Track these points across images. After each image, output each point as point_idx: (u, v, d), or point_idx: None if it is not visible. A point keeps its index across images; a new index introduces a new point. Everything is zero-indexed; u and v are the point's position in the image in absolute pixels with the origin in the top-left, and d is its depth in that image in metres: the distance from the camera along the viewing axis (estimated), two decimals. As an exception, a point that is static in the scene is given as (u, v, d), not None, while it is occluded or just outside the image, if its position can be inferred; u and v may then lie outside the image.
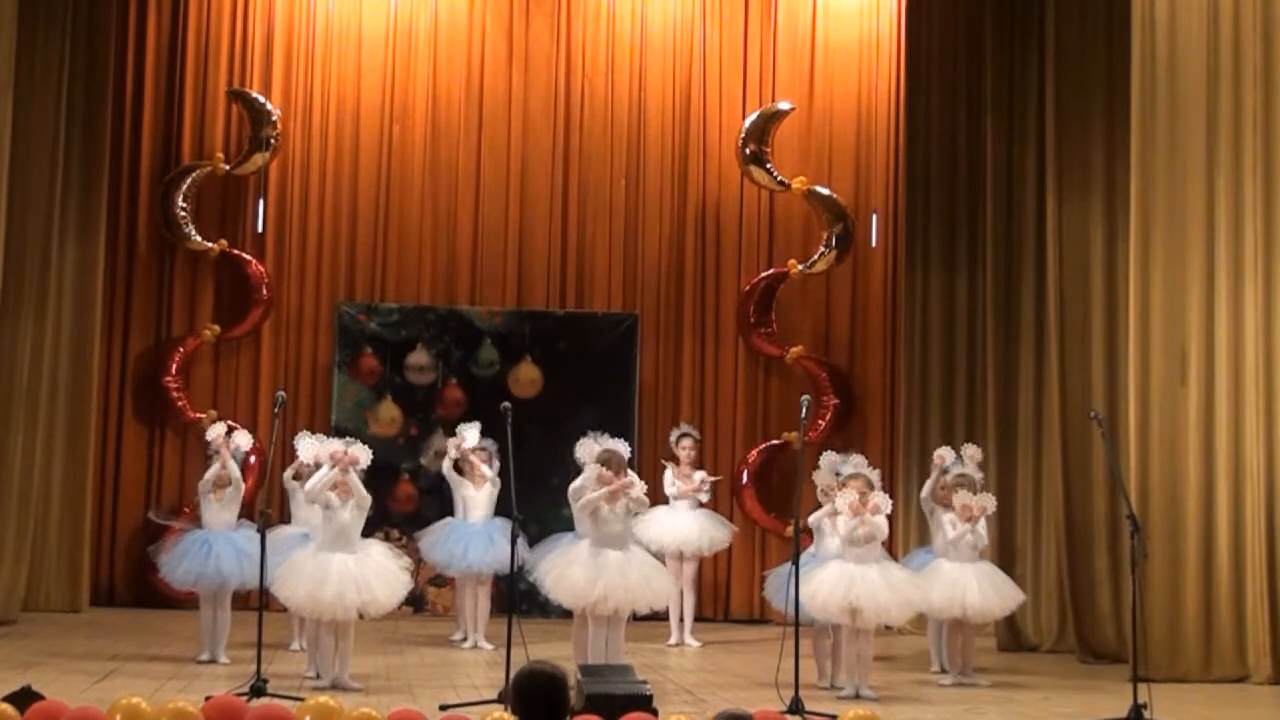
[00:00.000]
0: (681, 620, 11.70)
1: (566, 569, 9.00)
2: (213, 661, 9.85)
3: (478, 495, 11.13)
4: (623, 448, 9.34)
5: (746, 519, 13.44)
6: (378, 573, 9.08)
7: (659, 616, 11.12)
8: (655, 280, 14.09)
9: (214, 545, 9.97)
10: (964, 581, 9.77)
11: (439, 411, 13.47)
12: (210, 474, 10.15)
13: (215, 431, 10.27)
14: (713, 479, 11.98)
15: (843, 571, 9.23)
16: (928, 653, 10.63)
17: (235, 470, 10.16)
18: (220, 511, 10.12)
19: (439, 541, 11.20)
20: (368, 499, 9.23)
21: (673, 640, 11.61)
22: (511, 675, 4.89)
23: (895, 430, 13.77)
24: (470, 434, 11.06)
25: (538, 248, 14.04)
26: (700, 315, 14.10)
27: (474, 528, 11.03)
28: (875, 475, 9.58)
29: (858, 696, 9.08)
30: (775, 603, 10.03)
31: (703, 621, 12.43)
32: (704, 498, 11.82)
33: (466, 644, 11.08)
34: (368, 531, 9.51)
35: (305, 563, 9.04)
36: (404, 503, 13.09)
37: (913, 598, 9.46)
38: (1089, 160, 11.84)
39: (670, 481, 11.81)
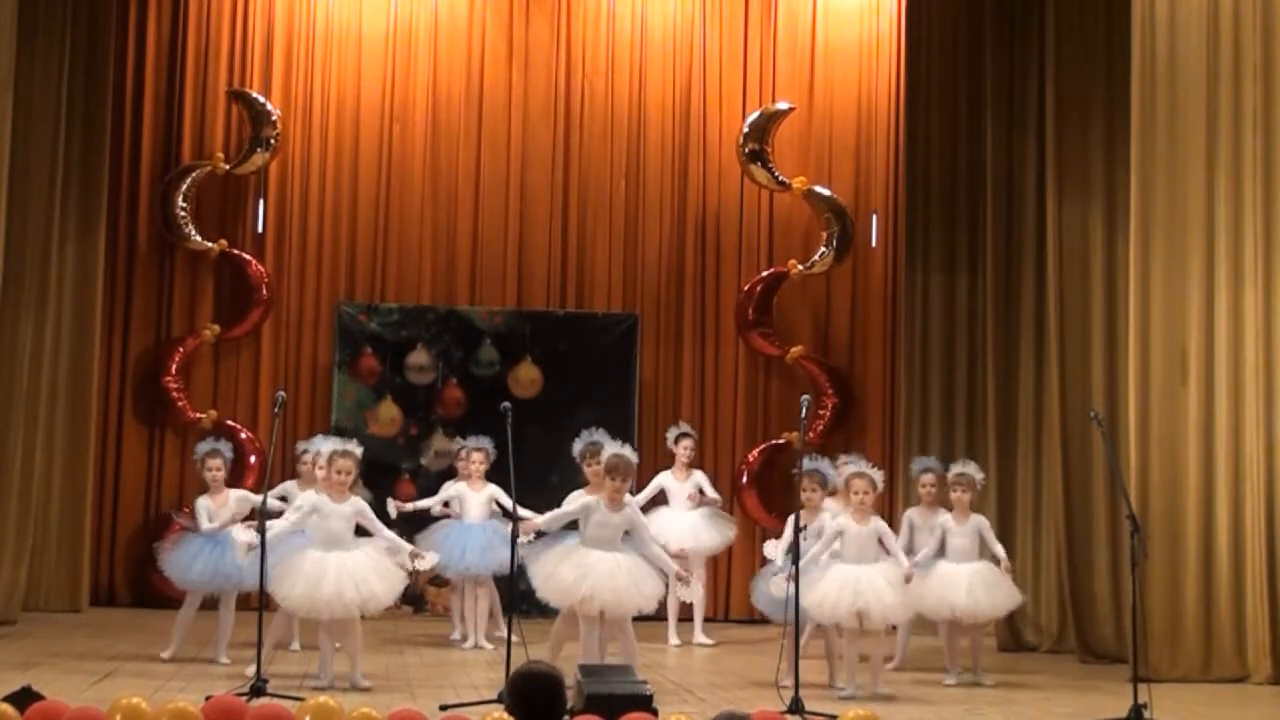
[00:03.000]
0: (684, 620, 11.68)
1: (556, 567, 8.98)
2: (174, 659, 9.84)
3: (476, 496, 11.14)
4: (632, 455, 9.26)
5: (747, 519, 13.44)
6: (375, 569, 9.08)
7: (658, 616, 11.08)
8: (655, 280, 14.09)
9: (227, 546, 9.86)
10: (956, 582, 9.78)
11: (439, 411, 13.48)
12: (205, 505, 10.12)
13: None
14: (713, 498, 11.86)
15: (848, 575, 9.21)
16: (928, 653, 10.62)
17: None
18: (222, 516, 10.10)
19: (437, 543, 11.17)
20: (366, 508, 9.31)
21: (673, 641, 11.60)
22: (500, 678, 4.89)
23: (895, 430, 13.77)
24: (430, 558, 10.06)
25: (538, 248, 14.05)
26: (700, 315, 14.11)
27: (472, 529, 11.02)
28: (879, 475, 9.57)
29: (874, 696, 9.08)
30: (761, 605, 9.96)
31: (704, 621, 12.42)
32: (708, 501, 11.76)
33: (467, 644, 11.07)
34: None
35: (301, 562, 9.03)
36: (404, 503, 13.06)
37: (905, 600, 9.44)
38: (1089, 160, 11.84)
39: (668, 485, 11.77)
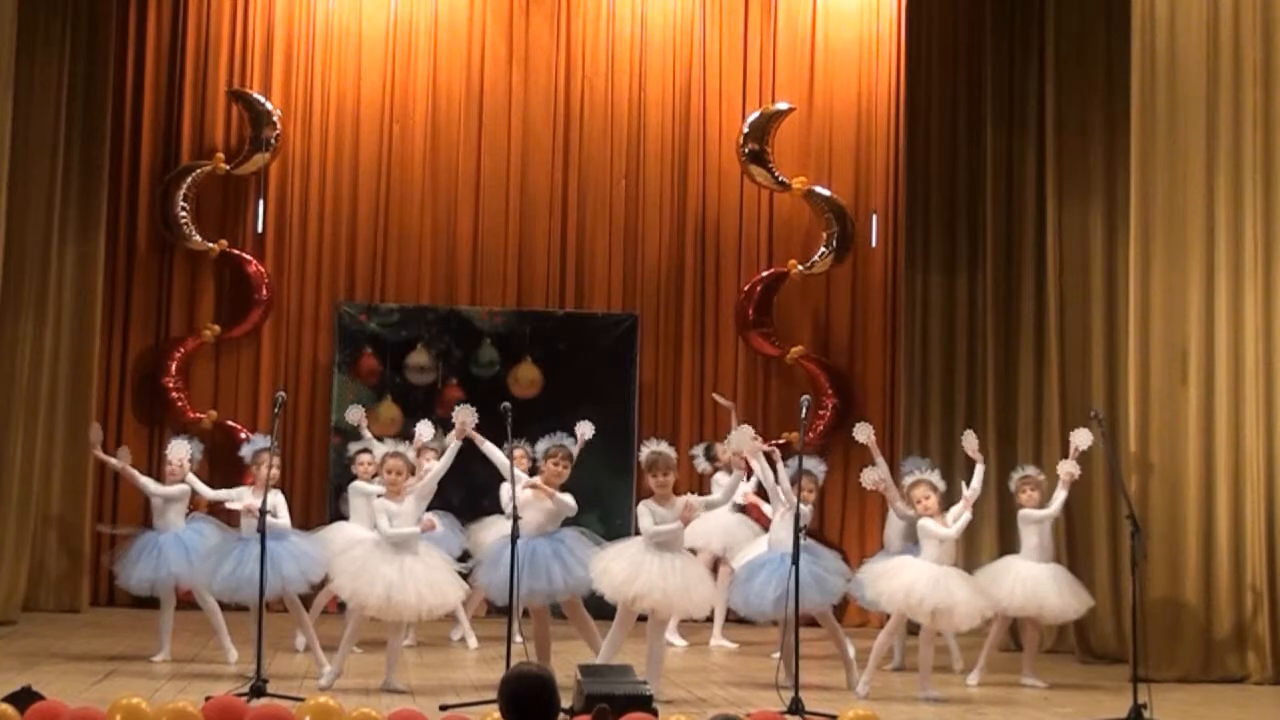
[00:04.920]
0: (710, 620, 11.65)
1: (611, 562, 9.00)
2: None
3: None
4: (669, 449, 9.23)
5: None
6: (443, 572, 9.15)
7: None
8: (655, 280, 14.10)
9: (164, 547, 9.87)
10: (1041, 580, 9.92)
11: (439, 411, 13.44)
12: (171, 491, 10.11)
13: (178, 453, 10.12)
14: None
15: (935, 573, 9.30)
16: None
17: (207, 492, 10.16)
18: (178, 516, 10.10)
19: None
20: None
21: (679, 643, 11.58)
22: (499, 679, 4.87)
23: (895, 431, 13.74)
24: (425, 429, 10.31)
25: (538, 248, 14.05)
26: (700, 315, 14.11)
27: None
28: (935, 476, 9.63)
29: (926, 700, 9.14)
30: (749, 608, 9.75)
31: (705, 621, 12.40)
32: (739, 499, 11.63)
33: (470, 644, 11.05)
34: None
35: (377, 562, 8.99)
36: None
37: (983, 604, 9.50)
38: (1089, 160, 11.85)
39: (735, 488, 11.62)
